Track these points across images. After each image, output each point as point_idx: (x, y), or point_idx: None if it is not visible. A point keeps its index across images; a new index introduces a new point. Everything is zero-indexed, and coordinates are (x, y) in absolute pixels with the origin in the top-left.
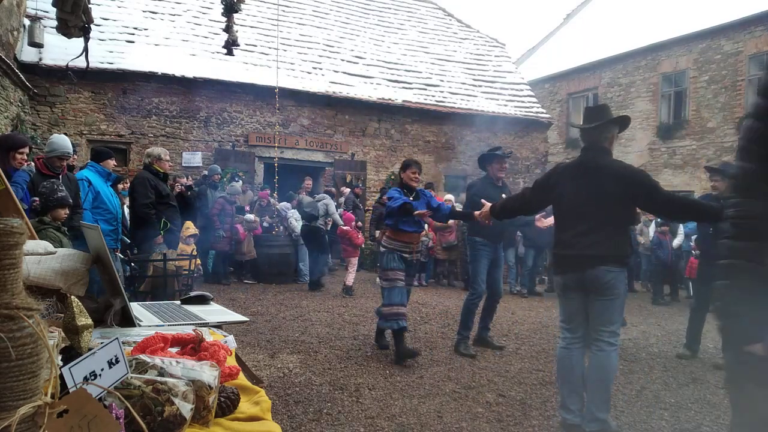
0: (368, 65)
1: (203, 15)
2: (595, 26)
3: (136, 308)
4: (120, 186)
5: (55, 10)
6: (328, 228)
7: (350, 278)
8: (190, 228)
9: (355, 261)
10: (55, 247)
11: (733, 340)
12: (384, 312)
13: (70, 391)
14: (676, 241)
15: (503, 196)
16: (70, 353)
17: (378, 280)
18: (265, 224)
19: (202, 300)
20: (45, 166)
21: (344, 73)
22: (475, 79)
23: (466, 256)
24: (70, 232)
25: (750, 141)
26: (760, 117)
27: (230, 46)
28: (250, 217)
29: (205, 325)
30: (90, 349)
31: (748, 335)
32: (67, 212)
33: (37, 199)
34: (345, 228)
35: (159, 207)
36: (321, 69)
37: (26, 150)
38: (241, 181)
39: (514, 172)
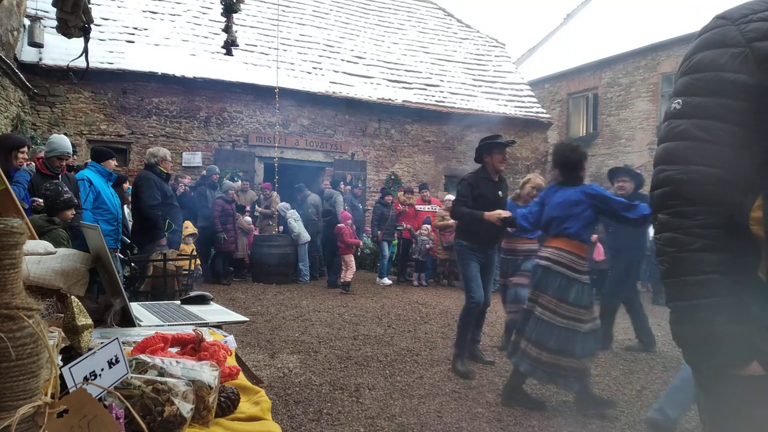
0: (368, 65)
1: (203, 15)
2: (595, 26)
3: (136, 308)
4: (125, 185)
5: (55, 10)
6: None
7: (348, 275)
8: (189, 227)
9: (348, 258)
10: (63, 247)
11: (723, 366)
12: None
13: (70, 391)
14: None
15: (500, 193)
16: (70, 353)
17: (540, 312)
18: (257, 214)
19: (202, 300)
20: (44, 166)
21: (344, 73)
22: (475, 79)
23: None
24: (70, 232)
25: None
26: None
27: (229, 46)
28: (248, 219)
29: (205, 325)
30: (90, 349)
31: (742, 357)
32: (73, 213)
33: (38, 199)
34: (340, 225)
35: (163, 208)
36: (321, 69)
37: (26, 149)
38: (239, 180)
39: (513, 172)
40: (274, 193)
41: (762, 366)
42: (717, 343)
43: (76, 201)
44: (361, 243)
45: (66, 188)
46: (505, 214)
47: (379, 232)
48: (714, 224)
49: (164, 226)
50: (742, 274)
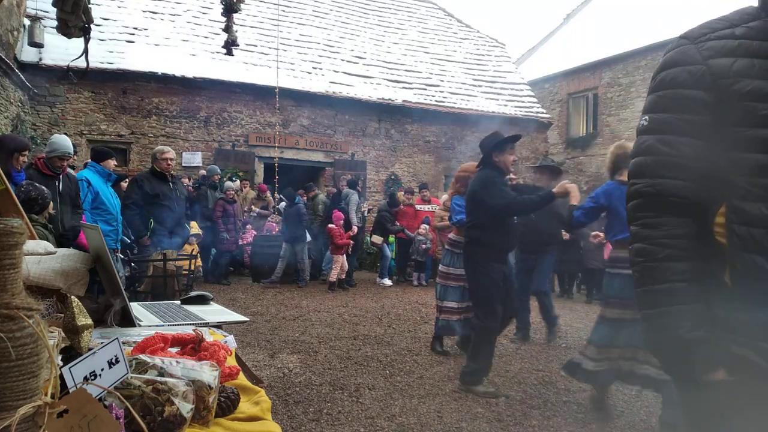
0: (368, 65)
1: (203, 15)
2: (595, 26)
3: (136, 308)
4: (123, 184)
5: (55, 10)
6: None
7: (333, 274)
8: (193, 227)
9: (337, 257)
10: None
11: (689, 371)
12: None
13: (70, 391)
14: None
15: None
16: (70, 353)
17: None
18: (253, 214)
19: (202, 300)
20: (45, 166)
21: (344, 73)
22: (475, 79)
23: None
24: (71, 232)
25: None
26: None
27: (230, 46)
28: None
29: (205, 325)
30: (90, 349)
31: (710, 363)
32: (52, 208)
33: None
34: (330, 226)
35: (147, 207)
36: (321, 69)
37: (27, 153)
38: (238, 181)
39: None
40: (267, 194)
41: (727, 371)
42: (684, 349)
43: (49, 197)
44: (351, 242)
45: (34, 185)
46: None
47: (382, 237)
48: (680, 234)
49: (145, 226)
50: (711, 280)
